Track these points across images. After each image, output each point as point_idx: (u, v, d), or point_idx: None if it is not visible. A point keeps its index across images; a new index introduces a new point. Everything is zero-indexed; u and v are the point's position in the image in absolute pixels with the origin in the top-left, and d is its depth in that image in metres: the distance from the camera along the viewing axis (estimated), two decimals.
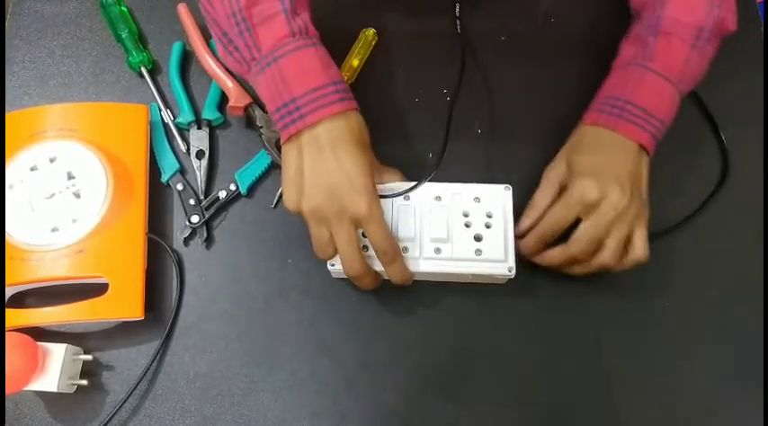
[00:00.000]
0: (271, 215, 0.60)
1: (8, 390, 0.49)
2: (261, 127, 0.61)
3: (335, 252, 0.51)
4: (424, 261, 0.54)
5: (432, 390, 0.55)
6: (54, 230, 0.54)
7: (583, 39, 0.68)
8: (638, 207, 0.53)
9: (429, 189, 0.55)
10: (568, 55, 0.67)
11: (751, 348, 0.56)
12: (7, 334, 0.50)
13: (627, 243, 0.53)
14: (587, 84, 0.60)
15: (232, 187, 0.60)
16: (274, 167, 0.61)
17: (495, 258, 0.53)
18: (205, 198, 0.60)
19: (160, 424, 0.54)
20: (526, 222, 0.56)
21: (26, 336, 0.51)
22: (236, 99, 0.61)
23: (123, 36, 0.65)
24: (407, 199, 0.55)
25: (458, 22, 0.66)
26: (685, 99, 0.57)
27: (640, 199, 0.53)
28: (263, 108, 0.61)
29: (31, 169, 0.56)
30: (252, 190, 0.61)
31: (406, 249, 0.54)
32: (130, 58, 0.65)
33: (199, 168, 0.61)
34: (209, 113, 0.63)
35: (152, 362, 0.54)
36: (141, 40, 0.66)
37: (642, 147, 0.54)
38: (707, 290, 0.58)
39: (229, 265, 0.59)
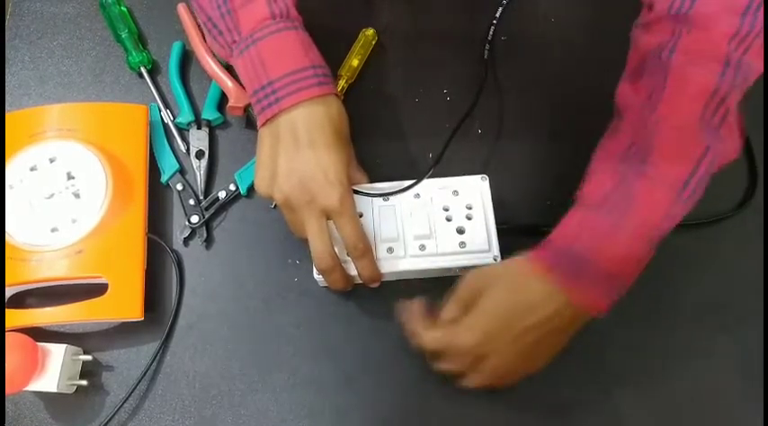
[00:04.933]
0: (270, 215, 0.60)
1: (8, 390, 0.49)
2: None
3: None
4: (410, 259, 0.54)
5: (431, 389, 0.55)
6: (54, 230, 0.54)
7: (583, 39, 0.67)
8: (505, 374, 0.49)
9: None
10: (568, 55, 0.67)
11: (751, 348, 0.56)
12: (7, 335, 0.50)
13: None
14: (587, 84, 0.60)
15: (232, 187, 0.60)
16: None
17: (479, 249, 0.54)
18: (205, 198, 0.60)
19: (160, 425, 0.53)
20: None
21: (26, 336, 0.51)
22: (236, 99, 0.61)
23: (123, 36, 0.65)
24: (386, 199, 0.55)
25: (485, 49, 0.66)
26: None
27: (518, 372, 0.50)
28: None
29: (31, 169, 0.56)
30: (252, 190, 0.60)
31: (390, 249, 0.54)
32: (130, 58, 0.65)
33: (198, 168, 0.61)
34: (209, 113, 0.63)
35: (152, 362, 0.54)
36: (141, 40, 0.66)
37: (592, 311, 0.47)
38: (707, 290, 0.58)
39: (229, 265, 0.58)
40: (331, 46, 0.54)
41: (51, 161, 0.56)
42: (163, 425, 0.53)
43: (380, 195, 0.56)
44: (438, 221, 0.54)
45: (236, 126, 0.64)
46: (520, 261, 0.48)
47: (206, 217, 0.59)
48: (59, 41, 0.67)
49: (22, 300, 0.56)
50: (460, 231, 0.54)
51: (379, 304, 0.57)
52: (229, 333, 0.56)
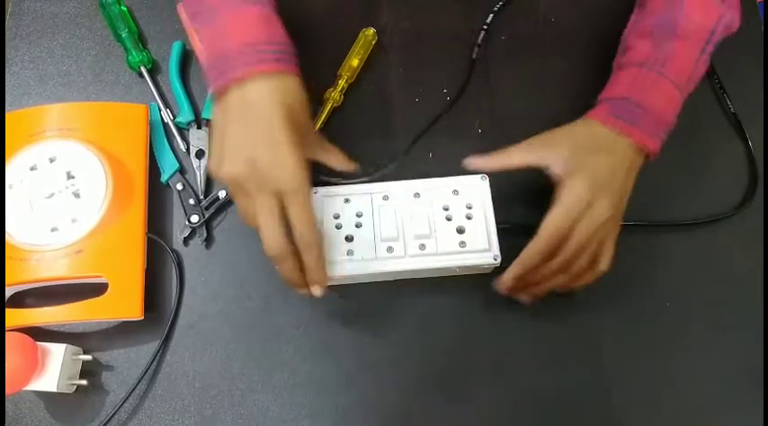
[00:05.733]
0: None
1: (8, 390, 0.49)
2: None
3: None
4: (410, 259, 0.54)
5: (431, 389, 0.55)
6: (54, 230, 0.54)
7: (583, 39, 0.67)
8: (616, 221, 0.52)
9: (407, 186, 0.56)
10: (568, 55, 0.67)
11: (751, 348, 0.56)
12: (7, 334, 0.50)
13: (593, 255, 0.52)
14: (587, 84, 0.60)
15: None
16: None
17: (479, 248, 0.54)
18: (205, 197, 0.60)
19: (160, 424, 0.53)
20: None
21: (26, 336, 0.51)
22: None
23: (123, 35, 0.65)
24: (386, 198, 0.55)
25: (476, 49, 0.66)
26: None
27: (620, 214, 0.52)
28: None
29: (31, 169, 0.56)
30: None
31: (390, 249, 0.54)
32: (130, 58, 0.65)
33: (198, 168, 0.61)
34: (209, 113, 0.63)
35: (151, 362, 0.54)
36: (141, 40, 0.66)
37: (646, 155, 0.53)
38: (707, 290, 0.58)
39: (229, 265, 0.58)
40: (331, 46, 0.54)
41: (51, 161, 0.56)
42: (163, 425, 0.53)
43: (348, 183, 0.55)
44: (438, 221, 0.55)
45: None
46: (587, 124, 0.55)
47: (206, 216, 0.59)
48: (59, 41, 0.67)
49: (21, 300, 0.56)
50: (460, 231, 0.54)
51: (380, 304, 0.57)
52: (229, 333, 0.56)
